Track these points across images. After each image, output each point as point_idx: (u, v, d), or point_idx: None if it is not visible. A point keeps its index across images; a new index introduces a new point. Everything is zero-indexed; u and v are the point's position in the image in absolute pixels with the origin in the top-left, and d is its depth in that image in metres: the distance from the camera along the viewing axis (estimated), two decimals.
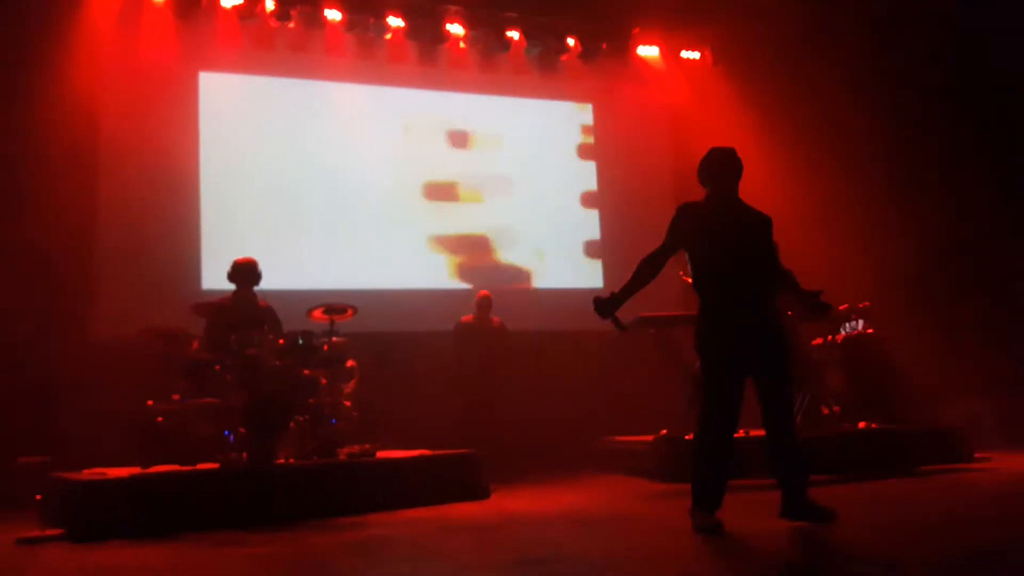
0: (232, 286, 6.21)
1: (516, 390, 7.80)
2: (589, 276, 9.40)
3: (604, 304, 4.29)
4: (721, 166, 4.38)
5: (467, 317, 8.04)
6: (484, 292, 8.14)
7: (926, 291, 8.36)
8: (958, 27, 8.47)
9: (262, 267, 6.26)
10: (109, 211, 7.76)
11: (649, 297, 4.44)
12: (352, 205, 8.67)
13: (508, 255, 9.19)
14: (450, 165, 9.13)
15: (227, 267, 6.25)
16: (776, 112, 8.99)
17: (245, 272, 6.15)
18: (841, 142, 8.93)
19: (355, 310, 6.25)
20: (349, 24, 8.74)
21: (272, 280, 6.43)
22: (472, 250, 9.08)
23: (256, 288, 6.23)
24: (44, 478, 5.26)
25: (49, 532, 4.66)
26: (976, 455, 6.76)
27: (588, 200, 9.60)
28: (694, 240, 4.34)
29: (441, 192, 9.04)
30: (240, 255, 6.32)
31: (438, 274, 8.88)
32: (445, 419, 7.42)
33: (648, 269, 4.33)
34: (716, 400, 4.21)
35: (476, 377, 7.73)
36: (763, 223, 4.38)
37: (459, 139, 9.25)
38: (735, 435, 4.26)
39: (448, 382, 7.79)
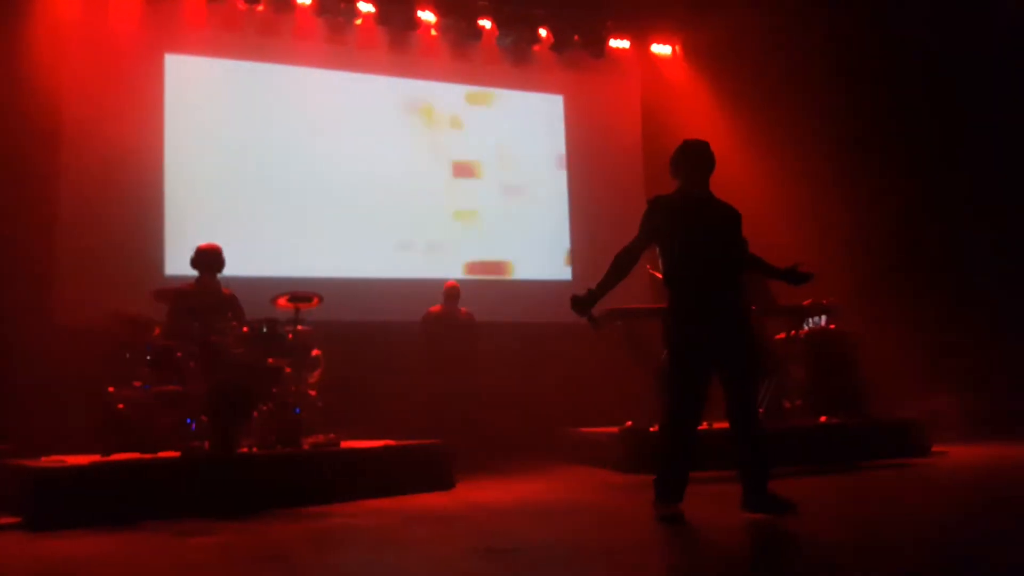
0: (195, 273, 6.13)
1: (483, 381, 7.79)
2: (558, 268, 9.42)
3: (581, 301, 4.32)
4: (692, 159, 4.42)
5: (435, 308, 8.02)
6: (451, 283, 8.12)
7: (888, 287, 8.49)
8: (927, 20, 8.58)
9: (227, 254, 6.20)
10: (70, 194, 7.63)
11: (618, 291, 4.46)
12: (319, 192, 8.60)
13: (476, 246, 9.17)
14: (419, 154, 9.09)
15: (191, 253, 6.18)
16: (744, 105, 9.06)
17: (208, 259, 6.09)
18: (807, 136, 9.03)
19: (320, 299, 6.21)
20: (319, 8, 8.65)
21: (237, 267, 6.37)
22: (440, 240, 9.04)
23: (220, 275, 6.16)
24: (2, 464, 5.17)
25: (4, 520, 4.59)
26: (934, 449, 6.89)
27: (558, 191, 9.61)
28: (663, 234, 4.38)
29: (410, 180, 8.98)
30: (204, 241, 6.25)
31: (405, 264, 8.84)
32: (411, 409, 7.39)
33: (623, 264, 4.38)
34: (681, 393, 4.26)
35: (443, 368, 7.71)
36: (732, 217, 4.42)
37: (429, 128, 9.20)
38: (699, 428, 4.31)
39: (415, 372, 7.77)
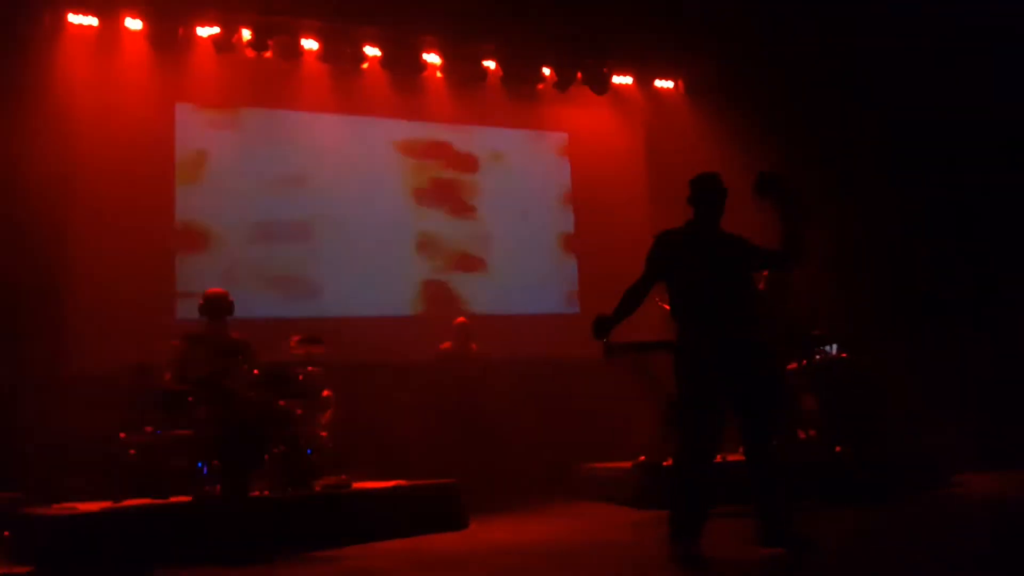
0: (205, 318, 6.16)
1: (496, 418, 7.76)
2: (565, 302, 9.43)
3: (603, 322, 4.32)
4: (698, 193, 4.44)
5: (445, 344, 8.02)
6: (461, 319, 8.13)
7: (898, 314, 8.45)
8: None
9: (237, 296, 6.22)
10: (82, 244, 7.67)
11: (628, 324, 4.46)
12: (327, 234, 8.65)
13: (484, 283, 9.19)
14: (427, 195, 9.15)
15: (200, 299, 6.21)
16: (747, 138, 9.09)
17: (216, 304, 6.11)
18: (812, 168, 9.05)
19: (323, 346, 6.22)
20: (325, 54, 8.77)
21: (247, 310, 6.40)
22: (447, 278, 9.07)
23: (230, 318, 6.18)
24: (14, 514, 5.16)
25: (18, 569, 4.57)
26: (952, 478, 6.80)
27: (564, 227, 9.64)
28: (670, 269, 4.38)
29: (417, 221, 9.04)
30: (213, 287, 6.28)
31: (414, 302, 8.86)
32: (423, 449, 7.36)
33: (630, 299, 4.39)
34: (694, 428, 4.21)
35: (455, 405, 7.69)
36: (742, 250, 4.40)
37: (436, 168, 9.27)
38: (714, 462, 4.28)
39: (426, 410, 7.74)
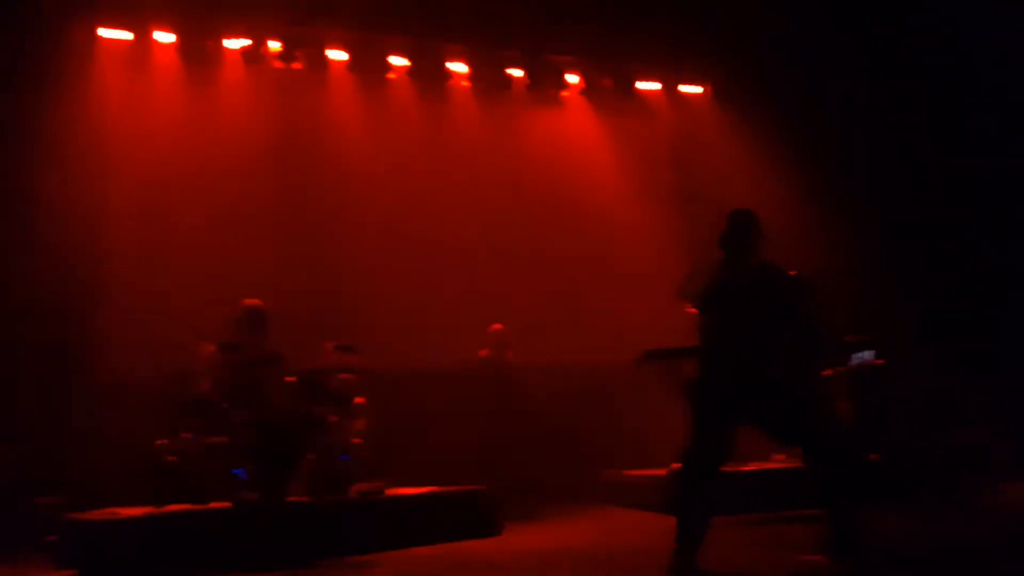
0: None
1: (530, 424, 7.76)
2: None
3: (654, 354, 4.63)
4: (727, 229, 4.52)
5: (483, 352, 8.01)
6: (497, 327, 8.12)
7: (934, 319, 8.38)
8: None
9: (272, 305, 6.28)
10: (118, 254, 7.74)
11: (661, 330, 4.49)
12: (359, 242, 8.70)
13: (514, 289, 9.20)
14: (457, 202, 9.17)
15: (234, 309, 6.27)
16: (775, 145, 9.07)
17: (253, 316, 6.17)
18: (841, 174, 9.01)
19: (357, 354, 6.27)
20: (353, 65, 8.84)
21: (283, 318, 6.45)
22: (478, 285, 9.08)
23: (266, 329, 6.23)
24: (58, 519, 5.23)
25: (63, 573, 4.63)
26: (990, 483, 6.72)
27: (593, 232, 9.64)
28: (696, 300, 4.52)
29: (446, 228, 9.06)
30: (248, 296, 6.35)
31: (446, 310, 8.87)
32: (457, 455, 7.37)
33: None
34: (700, 441, 4.33)
35: (493, 412, 7.71)
36: (775, 284, 4.44)
37: (465, 176, 9.29)
38: (720, 473, 4.34)
39: (459, 417, 7.76)
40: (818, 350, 4.61)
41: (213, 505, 5.31)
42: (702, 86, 10.05)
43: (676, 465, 5.82)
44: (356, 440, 6.23)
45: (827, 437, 4.34)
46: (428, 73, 9.08)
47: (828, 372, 7.07)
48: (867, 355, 7.04)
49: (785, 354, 4.39)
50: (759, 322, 4.37)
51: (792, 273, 6.44)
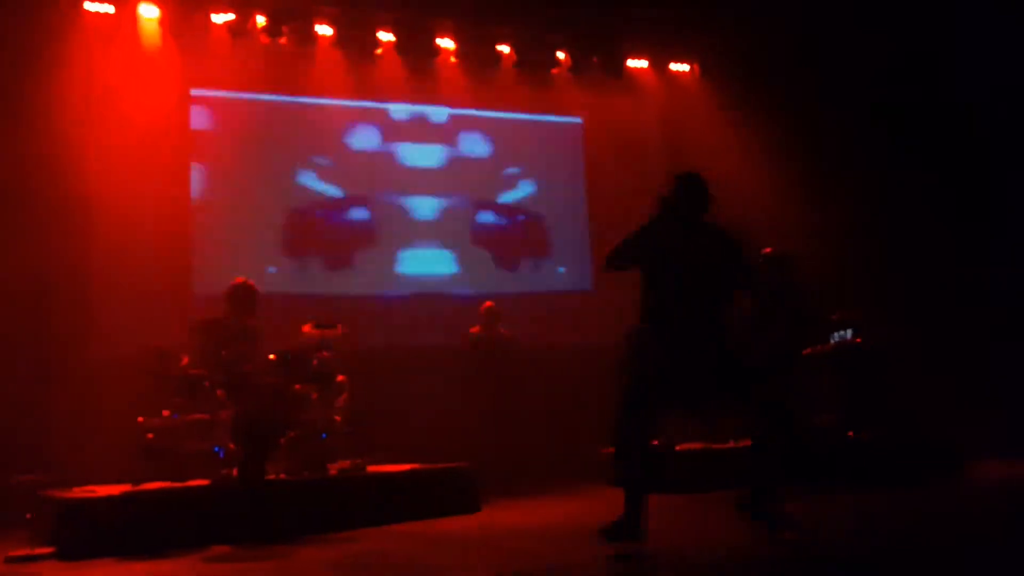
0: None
1: (518, 402, 7.78)
2: (580, 284, 9.44)
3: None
4: (683, 192, 4.38)
5: (475, 328, 8.01)
6: (489, 303, 8.11)
7: (916, 301, 8.38)
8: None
9: (255, 280, 6.29)
10: (100, 228, 7.76)
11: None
12: (344, 217, 8.71)
13: (500, 267, 9.22)
14: (442, 179, 9.17)
15: (218, 283, 6.28)
16: (764, 122, 9.03)
17: (242, 294, 6.18)
18: (829, 152, 8.98)
19: (345, 329, 6.28)
20: (340, 40, 8.79)
21: (266, 292, 6.46)
22: (465, 262, 9.10)
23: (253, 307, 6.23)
24: (34, 496, 5.27)
25: (39, 551, 4.67)
26: (966, 465, 6.77)
27: (579, 212, 9.64)
28: (645, 259, 4.33)
29: (433, 204, 9.07)
30: (232, 270, 6.36)
31: (432, 286, 8.90)
32: (439, 432, 7.41)
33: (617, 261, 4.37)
34: (634, 416, 4.17)
35: (485, 389, 7.73)
36: (722, 247, 4.31)
37: (450, 153, 9.28)
38: (651, 451, 4.26)
39: (448, 395, 7.78)
40: (782, 318, 4.45)
41: (192, 483, 5.34)
42: (689, 64, 10.00)
43: (655, 441, 5.91)
44: (337, 418, 6.26)
45: (774, 410, 4.28)
46: (416, 49, 9.01)
47: (807, 351, 7.09)
48: (848, 334, 7.05)
49: (739, 323, 4.35)
50: (718, 289, 4.27)
51: (767, 251, 6.46)
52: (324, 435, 5.88)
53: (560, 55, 9.50)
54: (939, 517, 4.89)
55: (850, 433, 6.82)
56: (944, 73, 8.54)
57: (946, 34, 8.33)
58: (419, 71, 9.12)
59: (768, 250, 6.93)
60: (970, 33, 8.15)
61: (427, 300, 8.75)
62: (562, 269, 9.54)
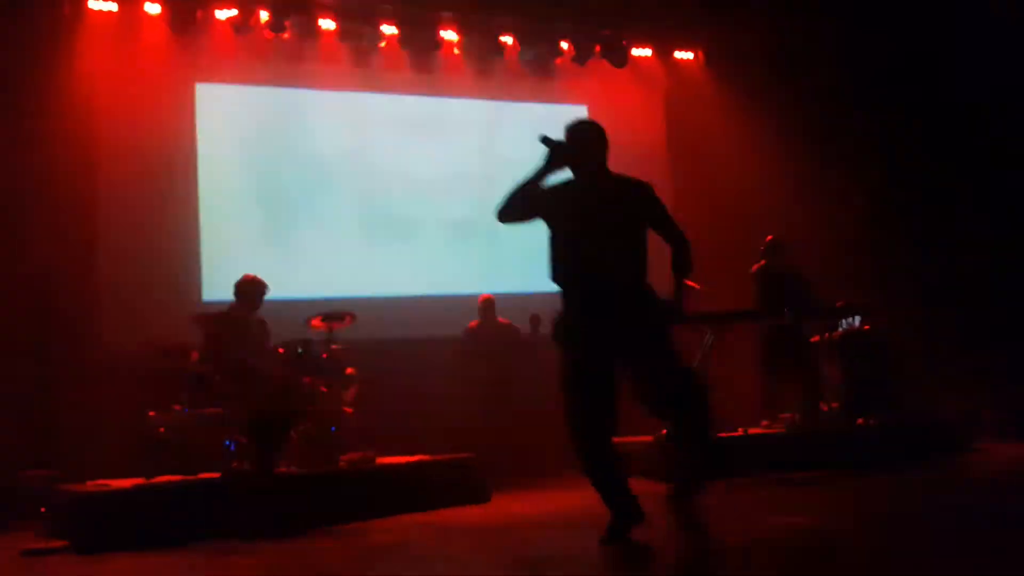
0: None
1: (522, 391, 7.80)
2: None
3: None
4: (577, 142, 4.05)
5: (473, 323, 8.04)
6: (486, 296, 8.15)
7: (922, 287, 8.38)
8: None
9: (262, 275, 6.30)
10: (108, 224, 7.79)
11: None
12: (349, 212, 8.72)
13: (505, 259, 9.20)
14: (446, 170, 9.15)
15: (226, 278, 6.31)
16: (768, 110, 9.02)
17: (251, 290, 6.20)
18: (834, 140, 8.96)
19: (353, 317, 6.30)
20: (343, 33, 8.79)
21: (273, 289, 6.48)
22: (470, 254, 9.09)
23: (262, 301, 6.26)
24: (49, 491, 5.32)
25: (53, 544, 4.72)
26: (973, 446, 6.78)
27: None
28: (549, 216, 3.98)
29: (438, 197, 9.06)
30: (240, 266, 6.38)
31: (437, 280, 8.90)
32: (447, 424, 7.43)
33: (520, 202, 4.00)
34: (576, 402, 3.84)
35: (483, 381, 7.74)
36: (631, 195, 3.94)
37: (456, 144, 9.27)
38: (611, 437, 3.89)
39: (449, 387, 7.81)
40: (689, 269, 3.94)
41: (203, 476, 5.37)
42: (693, 51, 9.98)
43: (663, 431, 5.92)
44: (347, 410, 6.29)
45: (693, 402, 3.88)
46: (419, 41, 8.99)
47: (816, 338, 7.10)
48: (855, 321, 7.05)
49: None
50: (629, 243, 3.85)
51: (769, 238, 6.29)
52: (334, 428, 5.91)
53: (564, 44, 9.47)
54: (942, 501, 4.90)
55: (859, 420, 6.82)
56: (954, 57, 8.50)
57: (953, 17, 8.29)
58: (423, 63, 9.10)
59: (769, 237, 6.95)
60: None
61: (429, 296, 8.75)
62: None
